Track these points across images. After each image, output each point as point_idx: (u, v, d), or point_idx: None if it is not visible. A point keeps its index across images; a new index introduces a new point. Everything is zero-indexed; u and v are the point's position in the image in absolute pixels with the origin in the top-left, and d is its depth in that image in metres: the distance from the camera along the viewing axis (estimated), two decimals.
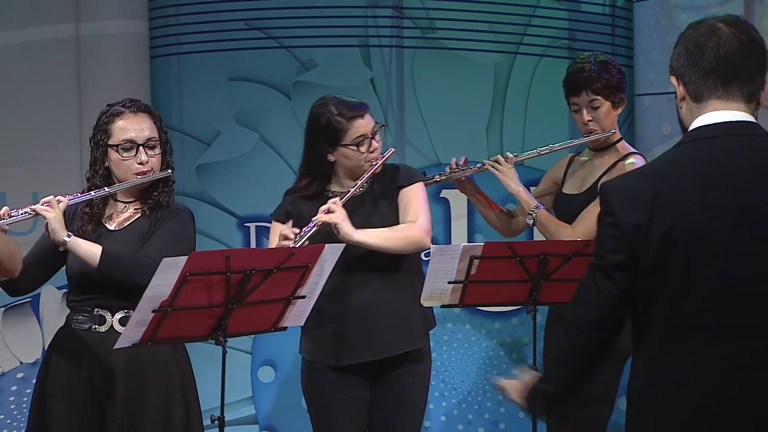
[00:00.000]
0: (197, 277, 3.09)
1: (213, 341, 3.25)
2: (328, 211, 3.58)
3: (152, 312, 3.09)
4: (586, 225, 3.89)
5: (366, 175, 3.69)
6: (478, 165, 4.04)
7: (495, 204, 4.21)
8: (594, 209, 3.99)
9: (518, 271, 3.56)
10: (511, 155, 4.02)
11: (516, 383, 2.54)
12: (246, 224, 5.18)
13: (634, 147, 4.21)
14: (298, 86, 5.17)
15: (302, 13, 5.14)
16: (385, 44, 5.17)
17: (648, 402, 2.26)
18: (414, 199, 3.73)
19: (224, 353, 3.25)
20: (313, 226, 3.57)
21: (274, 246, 3.66)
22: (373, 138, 3.70)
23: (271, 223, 3.83)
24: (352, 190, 3.67)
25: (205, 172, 5.22)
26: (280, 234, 3.60)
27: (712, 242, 2.20)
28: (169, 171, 3.56)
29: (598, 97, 3.93)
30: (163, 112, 5.24)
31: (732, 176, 2.22)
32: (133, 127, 3.52)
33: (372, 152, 3.70)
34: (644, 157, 4.02)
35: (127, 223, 3.54)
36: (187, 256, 3.07)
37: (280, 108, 5.17)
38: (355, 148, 3.67)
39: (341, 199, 3.63)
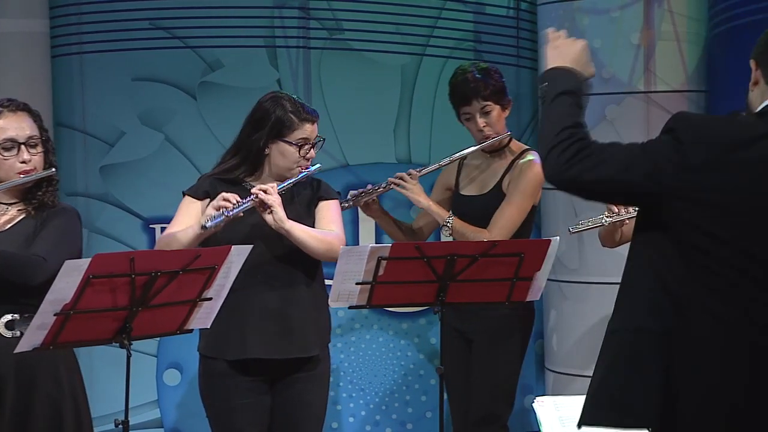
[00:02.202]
0: (101, 279, 3.04)
1: (117, 344, 3.21)
2: (266, 192, 3.57)
3: (54, 315, 3.03)
4: (500, 227, 4.02)
5: (292, 180, 3.70)
6: (383, 185, 4.08)
7: (399, 225, 4.27)
8: (506, 211, 4.06)
9: (426, 272, 3.58)
10: (414, 171, 4.11)
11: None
12: (151, 226, 5.12)
13: (535, 148, 4.28)
14: (203, 87, 5.13)
15: (207, 13, 5.10)
16: (292, 45, 5.15)
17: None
18: (332, 211, 3.79)
19: (129, 356, 3.21)
20: (251, 200, 3.57)
21: (180, 221, 3.63)
22: (312, 146, 3.71)
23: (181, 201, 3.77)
24: (291, 181, 3.68)
25: (109, 173, 5.15)
26: (221, 197, 3.56)
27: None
28: (53, 170, 3.50)
29: (489, 103, 4.07)
30: (65, 113, 5.17)
31: None
32: (12, 125, 3.46)
33: (307, 159, 3.71)
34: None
35: (10, 224, 3.47)
36: (89, 259, 3.02)
37: (186, 108, 5.12)
38: (296, 148, 3.69)
39: (279, 186, 3.63)
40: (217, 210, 3.55)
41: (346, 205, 4.08)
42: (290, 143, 3.69)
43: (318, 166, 3.77)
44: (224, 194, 3.59)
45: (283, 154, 3.70)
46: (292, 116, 3.69)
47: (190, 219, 3.66)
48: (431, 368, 5.13)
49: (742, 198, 2.31)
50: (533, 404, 3.50)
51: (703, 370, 2.31)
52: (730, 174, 2.31)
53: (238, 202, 3.56)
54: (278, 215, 3.58)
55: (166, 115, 5.14)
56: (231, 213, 3.53)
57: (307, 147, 3.71)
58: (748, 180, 2.31)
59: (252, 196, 3.58)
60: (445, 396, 3.89)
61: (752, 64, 2.44)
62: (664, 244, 2.34)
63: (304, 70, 5.15)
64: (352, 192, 4.13)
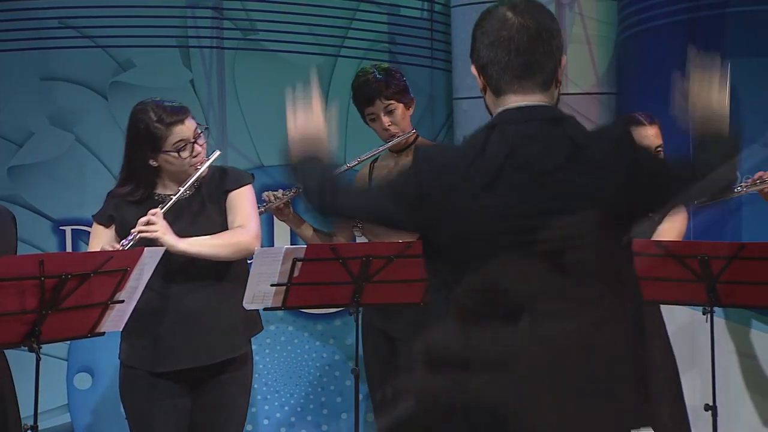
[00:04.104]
0: (8, 282, 2.99)
1: (26, 348, 3.15)
2: (149, 223, 3.50)
3: None
4: None
5: (190, 180, 3.63)
6: (293, 190, 4.07)
7: (313, 228, 4.26)
8: None
9: (341, 273, 3.58)
10: None
11: None
12: (61, 228, 5.04)
13: None
14: (115, 87, 5.07)
15: (118, 12, 5.04)
16: (205, 45, 5.11)
17: None
18: (242, 203, 3.69)
19: (38, 360, 3.16)
20: (131, 240, 3.49)
21: (94, 249, 3.57)
22: (195, 142, 3.64)
23: (92, 225, 3.73)
24: (175, 197, 3.61)
25: (18, 174, 5.06)
26: (101, 247, 3.51)
27: None
28: None
29: (392, 102, 4.13)
30: None
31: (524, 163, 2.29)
32: None
33: (195, 157, 3.64)
34: None
35: None
36: None
37: (97, 109, 5.05)
38: (176, 154, 3.61)
39: (163, 208, 3.56)
40: None
41: (261, 210, 4.06)
42: (168, 152, 3.61)
43: (216, 153, 3.70)
44: (104, 246, 3.52)
45: (169, 162, 3.63)
46: (158, 125, 3.59)
47: (99, 247, 3.59)
48: (347, 369, 5.12)
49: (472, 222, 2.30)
50: None
51: None
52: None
53: (122, 245, 3.48)
54: (166, 243, 3.49)
55: (77, 115, 5.06)
56: None
57: (189, 146, 3.64)
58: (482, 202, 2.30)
59: (132, 236, 3.50)
60: (361, 396, 3.89)
61: (473, 70, 2.41)
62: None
63: (217, 71, 5.12)
64: (264, 195, 4.11)
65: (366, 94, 4.13)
